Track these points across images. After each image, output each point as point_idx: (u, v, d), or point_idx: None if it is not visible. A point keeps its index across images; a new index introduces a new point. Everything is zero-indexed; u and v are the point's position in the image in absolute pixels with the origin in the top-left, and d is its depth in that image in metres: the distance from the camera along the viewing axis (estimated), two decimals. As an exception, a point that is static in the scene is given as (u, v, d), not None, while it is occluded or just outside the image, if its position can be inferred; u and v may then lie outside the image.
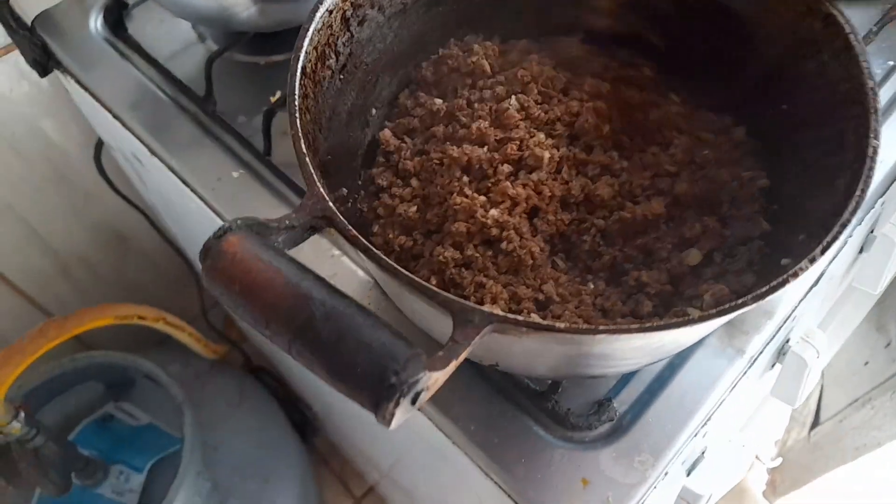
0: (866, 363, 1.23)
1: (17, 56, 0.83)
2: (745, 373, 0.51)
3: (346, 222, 0.33)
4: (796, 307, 0.53)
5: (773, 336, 0.52)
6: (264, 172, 0.58)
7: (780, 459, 1.30)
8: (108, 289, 1.20)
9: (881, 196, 0.57)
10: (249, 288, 0.28)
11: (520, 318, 0.30)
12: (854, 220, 0.54)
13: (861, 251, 0.65)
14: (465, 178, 0.43)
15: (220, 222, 0.58)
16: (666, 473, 0.47)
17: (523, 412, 0.47)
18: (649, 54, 0.52)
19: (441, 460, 0.55)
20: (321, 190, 0.33)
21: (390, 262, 0.31)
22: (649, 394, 0.48)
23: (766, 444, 1.36)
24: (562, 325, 0.29)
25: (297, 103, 0.36)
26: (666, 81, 0.52)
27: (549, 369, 0.41)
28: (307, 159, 0.34)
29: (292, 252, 0.34)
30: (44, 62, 0.69)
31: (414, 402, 0.27)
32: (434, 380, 0.27)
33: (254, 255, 0.29)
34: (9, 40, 0.80)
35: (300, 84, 0.38)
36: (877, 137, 0.34)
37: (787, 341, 0.58)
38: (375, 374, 0.26)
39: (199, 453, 0.97)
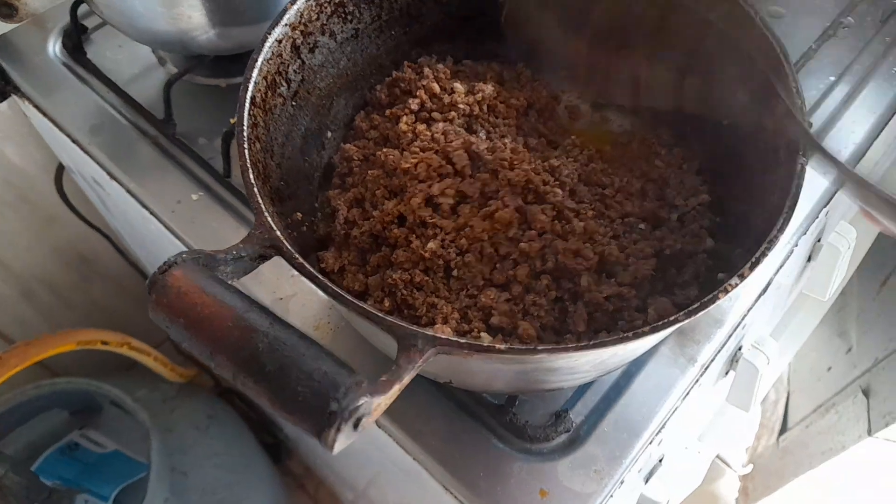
0: (829, 369, 1.26)
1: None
2: (698, 381, 0.53)
3: (293, 251, 0.33)
4: (745, 316, 0.54)
5: (724, 344, 0.54)
6: (224, 194, 0.58)
7: (751, 466, 1.32)
8: (73, 312, 1.18)
9: (825, 206, 0.59)
10: (194, 322, 0.29)
11: (462, 340, 0.31)
12: (796, 231, 0.57)
13: (809, 259, 0.67)
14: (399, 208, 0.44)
15: (180, 245, 0.58)
16: (622, 482, 0.48)
17: (483, 426, 0.48)
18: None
19: (406, 477, 0.56)
20: (269, 220, 0.34)
21: (336, 289, 0.32)
22: (605, 404, 0.50)
23: (737, 451, 1.39)
24: (502, 347, 0.30)
25: (245, 134, 0.37)
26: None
27: (502, 385, 0.42)
28: (255, 189, 0.35)
29: (249, 276, 0.35)
30: (1, 88, 0.68)
31: (356, 427, 0.27)
32: (377, 405, 0.28)
33: (199, 289, 0.29)
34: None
35: (249, 114, 0.38)
36: (805, 155, 0.36)
37: (740, 349, 0.60)
38: (317, 402, 0.27)
39: (167, 479, 0.96)
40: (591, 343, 0.30)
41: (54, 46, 0.69)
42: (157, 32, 0.58)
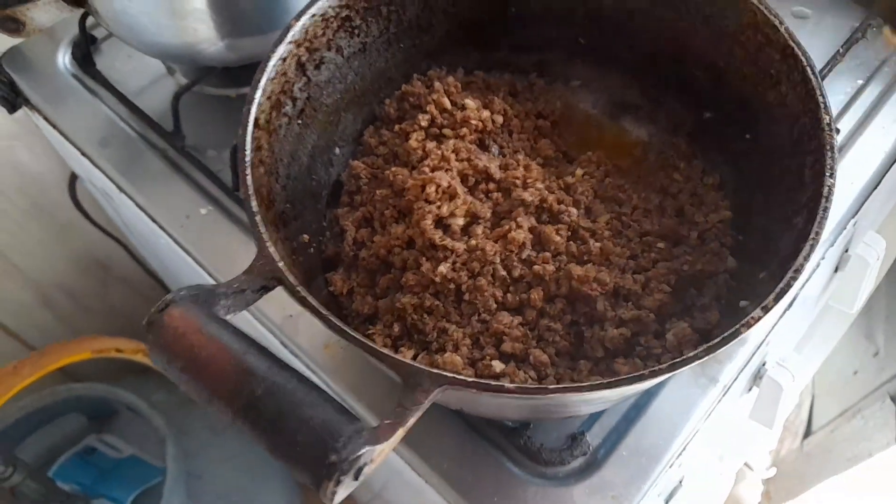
0: (856, 372, 1.23)
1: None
2: (720, 401, 0.51)
3: (295, 284, 0.32)
4: (769, 333, 0.52)
5: (747, 363, 0.52)
6: (233, 208, 0.57)
7: (773, 470, 1.30)
8: (91, 317, 1.19)
9: (853, 217, 0.57)
10: (192, 365, 0.28)
11: (469, 379, 0.29)
12: (823, 243, 0.54)
13: (836, 270, 0.64)
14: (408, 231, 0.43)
15: (189, 260, 0.57)
16: (641, 508, 0.47)
17: (496, 448, 0.47)
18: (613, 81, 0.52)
19: (417, 496, 0.55)
20: (272, 251, 0.33)
21: (339, 323, 0.31)
22: (623, 426, 0.48)
23: (760, 454, 1.36)
24: (511, 386, 0.29)
25: (248, 159, 0.36)
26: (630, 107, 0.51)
27: (513, 415, 0.41)
28: (258, 219, 0.34)
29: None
30: (11, 99, 0.68)
31: (357, 477, 0.26)
32: (378, 452, 0.27)
33: (196, 330, 0.28)
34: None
35: (252, 137, 0.37)
36: (832, 176, 0.34)
37: (763, 364, 0.58)
38: (316, 452, 0.26)
39: (183, 484, 0.96)
40: (604, 383, 0.29)
41: (64, 58, 0.68)
42: (165, 45, 0.57)
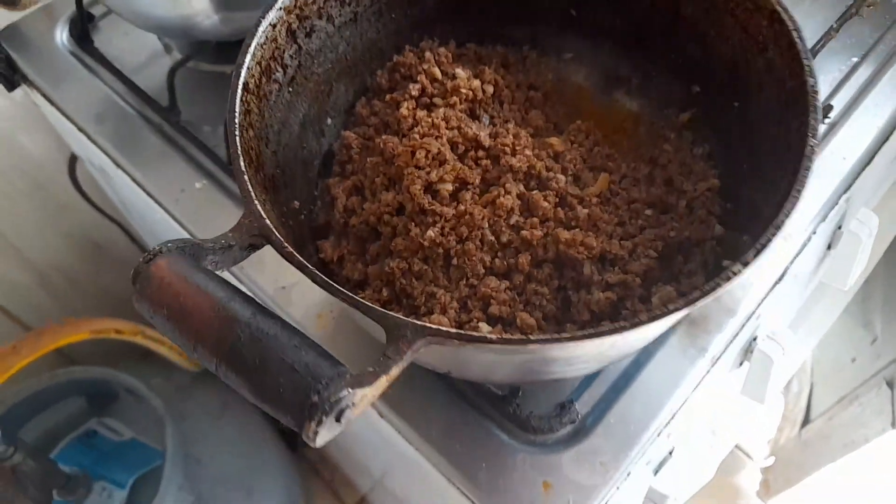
0: (853, 360, 1.23)
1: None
2: (709, 372, 0.51)
3: (282, 240, 0.32)
4: (759, 306, 0.53)
5: (737, 335, 0.52)
6: (228, 182, 0.58)
7: (772, 459, 1.30)
8: (88, 298, 1.19)
9: (845, 192, 0.57)
10: (177, 312, 0.28)
11: (452, 330, 0.30)
12: (814, 219, 0.55)
13: (829, 248, 0.65)
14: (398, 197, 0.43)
15: (184, 234, 0.58)
16: (629, 474, 0.47)
17: (485, 417, 0.47)
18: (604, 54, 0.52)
19: (411, 468, 0.55)
20: (258, 208, 0.33)
21: (324, 279, 0.31)
22: (612, 395, 0.48)
23: (759, 443, 1.37)
24: (493, 337, 0.29)
25: (237, 121, 0.36)
26: (622, 80, 0.52)
27: (501, 376, 0.41)
28: (245, 177, 0.34)
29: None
30: (9, 76, 0.68)
31: (339, 419, 0.27)
32: (361, 396, 0.27)
33: (182, 279, 0.29)
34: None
35: (241, 101, 0.38)
36: (815, 136, 0.34)
37: (754, 339, 0.58)
38: (298, 393, 0.26)
39: (181, 467, 0.97)
40: (585, 334, 0.29)
41: (61, 35, 0.69)
42: (160, 18, 0.57)
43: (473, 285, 0.41)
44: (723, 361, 0.53)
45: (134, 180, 0.60)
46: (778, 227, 0.32)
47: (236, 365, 0.27)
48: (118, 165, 0.61)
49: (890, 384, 1.16)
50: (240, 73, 0.38)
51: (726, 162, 0.46)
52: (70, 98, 0.65)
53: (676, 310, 0.30)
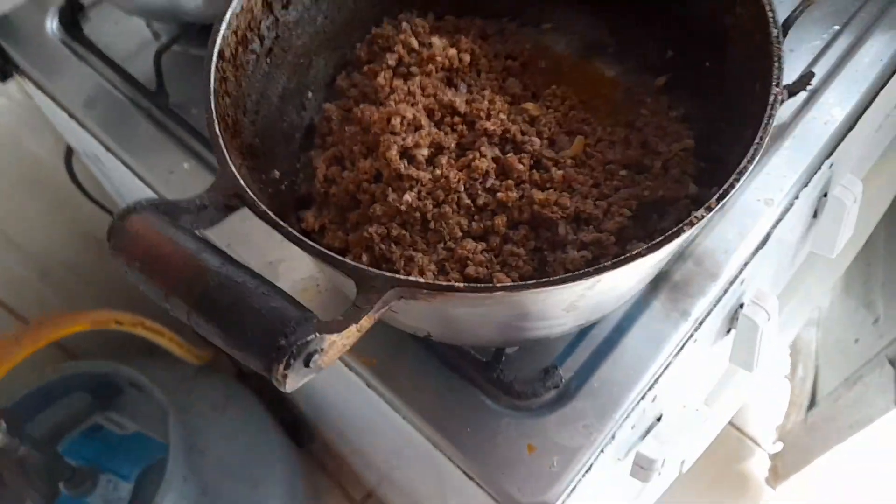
0: (856, 341, 1.23)
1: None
2: (692, 336, 0.52)
3: (255, 199, 0.33)
4: (742, 270, 0.53)
5: (720, 299, 0.53)
6: (215, 163, 0.59)
7: (780, 444, 1.30)
8: (89, 293, 1.20)
9: (828, 157, 0.57)
10: (148, 263, 0.29)
11: (418, 280, 0.30)
12: (795, 183, 0.55)
13: (815, 216, 0.65)
14: (375, 163, 0.43)
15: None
16: (613, 437, 0.48)
17: (469, 383, 0.48)
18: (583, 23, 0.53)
19: (401, 439, 0.56)
20: (232, 168, 0.34)
21: (295, 234, 0.32)
22: (594, 359, 0.49)
23: (767, 429, 1.37)
24: (459, 286, 0.30)
25: (212, 87, 0.37)
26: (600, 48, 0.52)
27: (480, 337, 0.42)
28: (220, 140, 0.35)
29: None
30: (2, 66, 0.70)
31: (308, 363, 0.27)
32: (330, 342, 0.28)
33: (154, 233, 0.29)
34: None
35: (217, 68, 0.38)
36: (778, 85, 0.35)
37: (741, 306, 0.58)
38: (265, 338, 0.27)
39: (185, 458, 0.98)
40: (550, 280, 0.30)
41: (52, 24, 0.70)
42: (148, 2, 0.58)
43: (451, 248, 0.41)
44: (707, 327, 0.54)
45: (124, 163, 0.61)
46: (741, 174, 0.32)
47: (207, 312, 0.28)
48: (108, 150, 0.62)
49: (892, 363, 1.15)
50: (215, 40, 0.39)
51: (701, 122, 0.46)
52: (61, 86, 0.67)
53: (640, 255, 0.31)
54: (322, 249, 0.30)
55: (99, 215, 1.07)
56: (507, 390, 0.47)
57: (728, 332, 0.60)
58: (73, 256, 1.14)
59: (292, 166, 0.48)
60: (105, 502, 1.05)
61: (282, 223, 0.33)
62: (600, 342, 0.49)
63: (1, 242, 1.02)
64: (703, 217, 0.31)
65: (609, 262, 0.30)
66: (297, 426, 1.32)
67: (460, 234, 0.42)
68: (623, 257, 0.30)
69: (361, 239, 0.43)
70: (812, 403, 1.39)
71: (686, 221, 0.31)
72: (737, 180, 0.32)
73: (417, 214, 0.41)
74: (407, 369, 0.49)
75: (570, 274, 0.30)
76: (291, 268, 0.53)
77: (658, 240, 0.31)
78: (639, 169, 0.45)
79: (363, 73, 0.49)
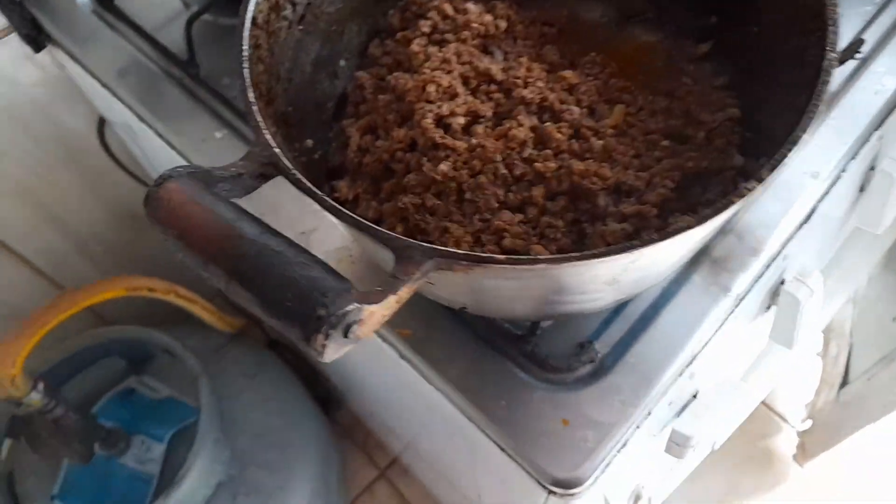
0: (894, 319, 1.20)
1: (17, 39, 0.85)
2: (733, 312, 0.50)
3: (290, 167, 0.33)
4: (785, 246, 0.51)
5: (762, 275, 0.51)
6: (247, 131, 0.58)
7: (809, 422, 1.28)
8: (124, 264, 1.22)
9: (877, 129, 0.55)
10: (186, 231, 0.29)
11: (460, 251, 0.30)
12: (843, 156, 0.53)
13: (862, 190, 0.63)
14: (411, 133, 0.43)
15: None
16: (649, 413, 0.47)
17: (504, 356, 0.47)
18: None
19: (432, 413, 0.56)
20: (267, 136, 0.33)
21: (333, 203, 0.31)
22: (631, 335, 0.48)
23: (796, 406, 1.35)
24: (500, 257, 0.29)
25: (245, 54, 0.37)
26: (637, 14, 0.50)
27: (517, 309, 0.41)
28: (254, 108, 0.34)
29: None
30: (35, 37, 0.70)
31: (346, 334, 0.27)
32: (369, 312, 0.27)
33: (191, 201, 0.29)
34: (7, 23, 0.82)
35: (250, 35, 0.38)
36: (833, 50, 0.33)
37: (782, 282, 0.57)
38: (304, 307, 0.26)
39: (217, 421, 1.00)
40: (594, 252, 0.29)
41: (84, -5, 0.70)
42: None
43: (487, 219, 0.41)
44: (748, 303, 0.53)
45: (157, 133, 0.61)
46: (794, 143, 0.31)
47: (245, 281, 0.27)
48: (141, 119, 0.62)
49: (930, 342, 1.13)
50: (248, 6, 0.38)
51: (746, 90, 0.44)
52: (94, 56, 0.67)
53: (688, 227, 0.29)
54: (360, 219, 0.30)
55: (132, 186, 1.09)
56: (542, 364, 0.46)
57: (768, 308, 0.59)
58: (106, 227, 1.16)
59: (325, 135, 0.47)
60: (138, 462, 1.07)
61: (317, 191, 0.32)
62: (637, 317, 0.48)
63: (41, 214, 1.04)
64: (753, 188, 0.30)
65: (655, 235, 0.29)
66: (325, 395, 1.34)
67: (497, 204, 0.41)
68: (670, 229, 0.29)
69: (396, 209, 0.42)
70: (844, 382, 1.36)
71: (735, 192, 0.30)
72: (789, 150, 0.31)
73: (453, 184, 0.41)
74: (441, 341, 0.48)
75: (613, 247, 0.29)
76: (323, 238, 0.53)
77: (706, 212, 0.30)
78: (681, 139, 0.43)
79: (396, 40, 0.48)
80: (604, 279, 0.34)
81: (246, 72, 0.36)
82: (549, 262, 0.29)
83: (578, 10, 0.51)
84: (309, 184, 0.32)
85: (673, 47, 0.49)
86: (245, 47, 0.37)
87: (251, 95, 0.35)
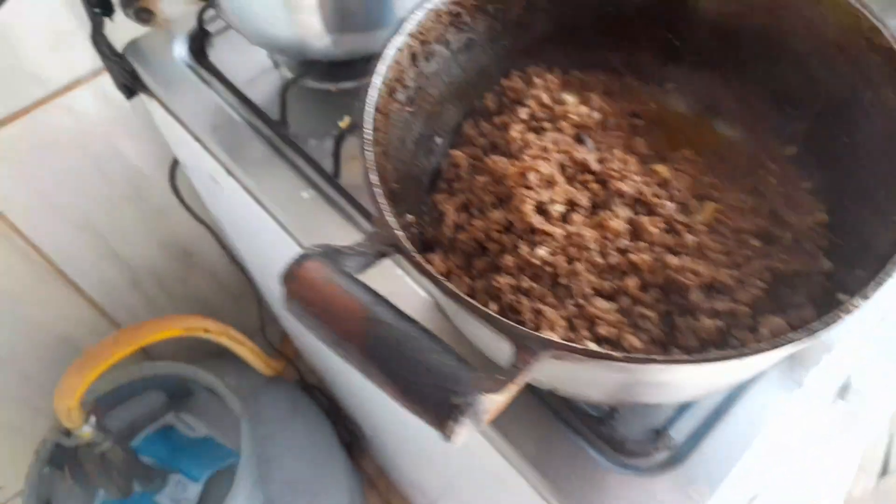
0: (936, 409, 1.18)
1: (101, 82, 0.89)
2: (805, 407, 0.51)
3: (411, 250, 0.34)
4: (854, 342, 0.52)
5: (833, 371, 0.52)
6: (332, 194, 0.61)
7: (847, 510, 1.26)
8: (174, 301, 1.25)
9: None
10: (327, 311, 0.30)
11: (577, 346, 0.31)
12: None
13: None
14: (508, 215, 0.44)
15: (289, 240, 0.61)
16: (721, 505, 0.47)
17: (580, 436, 0.48)
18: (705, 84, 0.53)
19: (497, 484, 0.56)
20: (390, 220, 0.35)
21: (454, 289, 0.33)
22: (707, 424, 0.48)
23: (834, 494, 1.32)
24: (619, 355, 0.30)
25: (368, 138, 0.39)
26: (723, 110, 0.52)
27: (606, 395, 0.42)
28: (377, 191, 0.36)
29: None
30: (131, 86, 0.73)
31: (475, 422, 0.28)
32: (494, 402, 0.29)
33: (330, 281, 0.31)
34: (94, 67, 0.87)
35: (372, 118, 0.40)
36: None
37: (849, 379, 0.57)
38: (441, 394, 0.28)
39: (255, 465, 1.00)
40: (709, 356, 0.30)
41: (180, 50, 0.73)
42: (278, 37, 0.61)
43: (580, 305, 0.42)
44: (819, 398, 0.53)
45: (245, 188, 0.63)
46: (898, 263, 0.32)
47: (382, 364, 0.29)
48: (229, 172, 0.65)
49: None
50: (370, 92, 0.40)
51: (834, 195, 0.46)
52: (186, 108, 0.70)
53: (799, 339, 0.31)
54: (485, 309, 0.31)
55: (189, 225, 1.11)
56: (620, 448, 0.47)
57: (837, 402, 0.59)
58: (162, 265, 1.19)
59: (419, 209, 0.49)
60: (173, 500, 1.08)
61: (441, 278, 0.34)
62: (713, 408, 0.49)
63: (101, 247, 1.07)
64: (859, 306, 0.31)
65: (768, 344, 0.30)
66: (351, 439, 1.34)
67: (590, 291, 0.42)
68: (783, 339, 0.30)
69: (488, 287, 0.44)
70: (884, 470, 1.34)
71: (843, 308, 0.31)
72: (893, 269, 0.32)
73: (549, 269, 0.42)
74: (517, 417, 0.49)
75: (738, 350, 0.30)
76: (402, 303, 0.54)
77: (815, 324, 0.31)
78: (769, 239, 0.45)
79: (493, 123, 0.50)
80: (703, 377, 0.35)
81: (369, 155, 0.38)
82: (664, 363, 0.31)
83: (666, 103, 0.53)
84: (430, 268, 0.34)
85: (758, 145, 0.50)
86: (368, 131, 0.39)
87: (374, 179, 0.37)
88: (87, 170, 0.99)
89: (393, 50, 0.43)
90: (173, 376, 1.13)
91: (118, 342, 0.85)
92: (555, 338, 0.31)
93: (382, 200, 0.36)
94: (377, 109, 0.41)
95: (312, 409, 1.24)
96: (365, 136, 0.39)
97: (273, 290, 1.11)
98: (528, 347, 0.31)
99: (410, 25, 0.44)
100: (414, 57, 0.46)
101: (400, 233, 0.35)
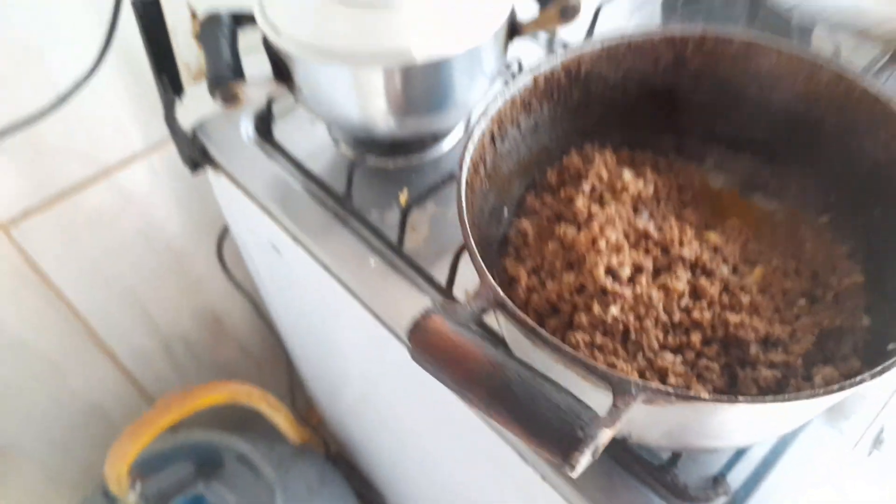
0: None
1: (155, 158, 0.96)
2: (848, 456, 0.55)
3: (515, 308, 0.39)
4: (885, 393, 0.56)
5: (868, 420, 0.56)
6: (397, 262, 0.66)
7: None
8: (201, 369, 1.27)
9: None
10: (453, 358, 0.35)
11: (670, 389, 0.35)
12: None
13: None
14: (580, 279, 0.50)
15: (355, 304, 0.66)
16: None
17: (644, 484, 0.51)
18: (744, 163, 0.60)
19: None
20: (492, 283, 0.40)
21: (562, 344, 0.37)
22: (758, 474, 0.52)
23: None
24: (707, 396, 0.35)
25: (464, 211, 0.44)
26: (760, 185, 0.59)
27: (673, 440, 0.46)
28: (479, 259, 0.42)
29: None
30: (199, 161, 0.80)
31: (594, 454, 0.32)
32: (607, 436, 0.33)
33: (454, 332, 0.36)
34: (148, 144, 0.93)
35: (466, 194, 0.46)
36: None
37: (883, 429, 0.61)
38: (565, 429, 0.32)
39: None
40: (789, 396, 0.34)
41: (247, 129, 0.80)
42: (349, 118, 0.67)
43: (650, 359, 0.46)
44: (858, 446, 0.57)
45: (313, 256, 0.68)
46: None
47: (507, 404, 0.33)
48: (296, 240, 0.70)
49: None
50: (463, 171, 0.46)
51: (870, 257, 0.51)
52: (253, 180, 0.76)
53: (863, 381, 0.35)
54: (587, 359, 0.36)
55: (223, 293, 1.15)
56: (682, 494, 0.50)
57: (873, 453, 0.62)
58: (192, 333, 1.22)
59: (493, 273, 0.54)
60: (203, 572, 1.07)
61: (541, 329, 0.38)
62: (764, 456, 0.53)
63: (138, 315, 1.11)
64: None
65: (836, 386, 0.35)
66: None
67: (658, 346, 0.47)
68: (851, 381, 0.35)
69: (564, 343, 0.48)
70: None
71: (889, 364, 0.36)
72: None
73: (620, 326, 0.47)
74: (586, 469, 0.52)
75: (819, 390, 0.35)
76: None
77: (879, 368, 0.35)
78: (813, 298, 0.50)
79: (557, 196, 0.56)
80: (766, 417, 0.40)
81: (466, 227, 0.43)
82: (749, 402, 0.35)
83: (707, 179, 0.59)
84: (534, 323, 0.39)
85: (792, 216, 0.56)
86: (463, 205, 0.44)
87: (474, 248, 0.42)
88: (135, 241, 1.04)
89: (479, 133, 0.49)
90: (206, 444, 1.14)
91: (167, 409, 0.88)
92: (651, 384, 0.35)
93: (483, 266, 0.41)
94: (468, 185, 0.47)
95: (339, 480, 1.25)
96: (462, 209, 0.44)
97: (310, 358, 1.14)
98: (626, 390, 0.35)
99: (493, 111, 0.51)
100: (493, 139, 0.52)
101: (501, 293, 0.40)
